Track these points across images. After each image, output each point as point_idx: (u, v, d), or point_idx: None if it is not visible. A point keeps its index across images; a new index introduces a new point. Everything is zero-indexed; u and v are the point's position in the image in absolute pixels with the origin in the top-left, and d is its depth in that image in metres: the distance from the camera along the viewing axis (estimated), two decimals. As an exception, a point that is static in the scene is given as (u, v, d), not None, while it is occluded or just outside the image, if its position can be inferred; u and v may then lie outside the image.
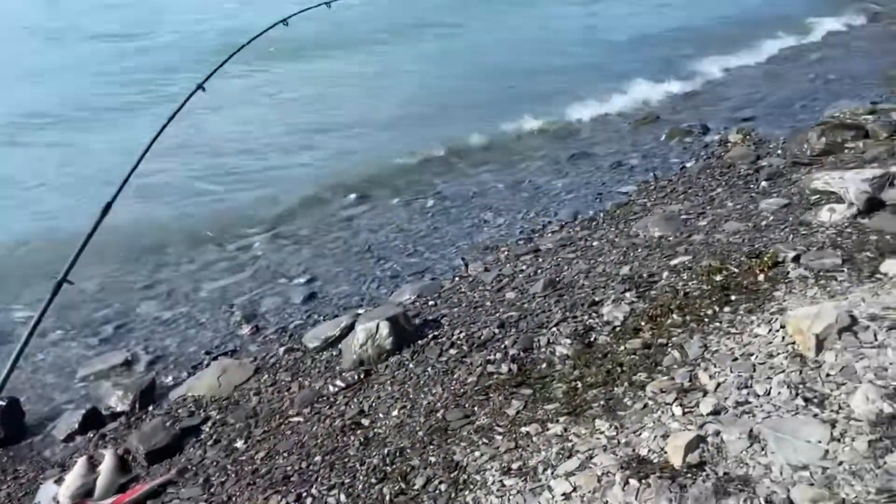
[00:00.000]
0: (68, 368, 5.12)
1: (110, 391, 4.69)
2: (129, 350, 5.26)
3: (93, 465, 3.91)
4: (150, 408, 4.55)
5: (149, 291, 6.05)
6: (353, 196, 7.68)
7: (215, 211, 7.51)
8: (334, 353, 4.75)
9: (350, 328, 4.78)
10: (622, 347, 4.10)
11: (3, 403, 4.29)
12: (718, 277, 4.61)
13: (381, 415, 3.94)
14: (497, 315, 4.80)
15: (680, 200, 6.32)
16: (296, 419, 4.10)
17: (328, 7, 5.53)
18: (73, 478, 3.79)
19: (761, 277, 4.53)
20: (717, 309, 4.26)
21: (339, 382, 4.33)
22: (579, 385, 3.83)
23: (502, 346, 4.33)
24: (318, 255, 6.55)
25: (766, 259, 4.64)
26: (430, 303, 5.25)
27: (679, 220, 5.83)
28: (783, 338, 3.88)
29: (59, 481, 3.84)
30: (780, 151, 7.00)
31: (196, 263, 6.48)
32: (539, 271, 5.43)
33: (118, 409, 4.53)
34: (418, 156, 8.48)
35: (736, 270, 4.66)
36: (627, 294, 4.68)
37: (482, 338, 4.48)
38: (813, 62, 10.66)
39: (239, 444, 3.95)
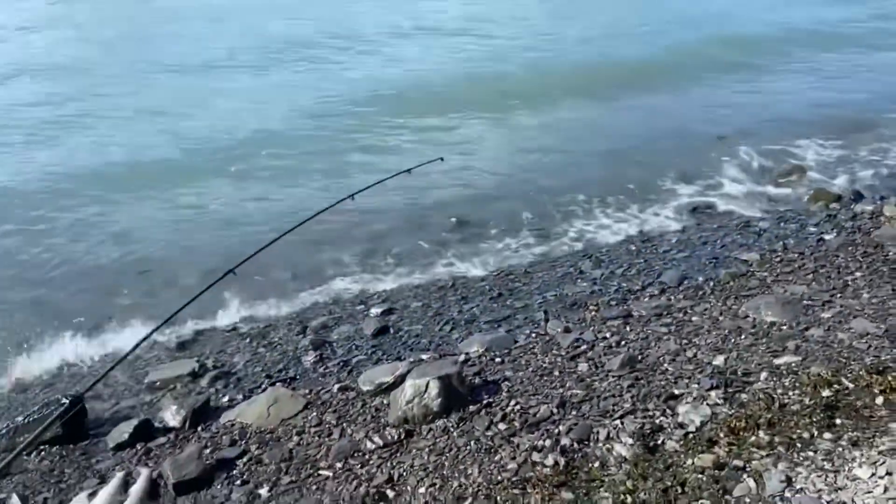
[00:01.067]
0: (141, 370, 5.29)
1: (168, 403, 4.75)
2: (199, 360, 5.35)
3: (127, 483, 3.95)
4: (199, 428, 4.55)
5: (234, 301, 6.15)
6: (453, 220, 7.46)
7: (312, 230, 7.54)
8: (385, 402, 4.53)
9: (404, 377, 4.54)
10: (690, 462, 3.56)
11: (67, 402, 4.47)
12: (826, 392, 3.91)
13: (408, 488, 3.67)
14: (561, 390, 4.37)
15: (807, 281, 5.52)
16: (325, 473, 3.92)
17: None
18: (105, 495, 3.82)
19: (880, 400, 3.80)
20: (814, 433, 3.60)
21: (377, 439, 4.10)
22: (628, 501, 3.36)
23: (556, 430, 3.91)
24: (403, 283, 6.39)
25: (890, 379, 3.88)
26: (497, 360, 4.90)
27: (799, 307, 5.07)
28: (885, 489, 3.20)
29: (92, 495, 3.90)
30: (944, 236, 5.95)
31: (284, 278, 6.54)
32: (622, 343, 4.91)
33: (170, 425, 4.58)
34: (532, 189, 8.12)
35: (850, 386, 3.94)
36: (713, 393, 4.09)
37: (537, 416, 4.08)
38: None
39: (263, 491, 3.83)
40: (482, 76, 12.76)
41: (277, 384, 4.94)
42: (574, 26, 16.31)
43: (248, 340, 5.67)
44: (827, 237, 6.33)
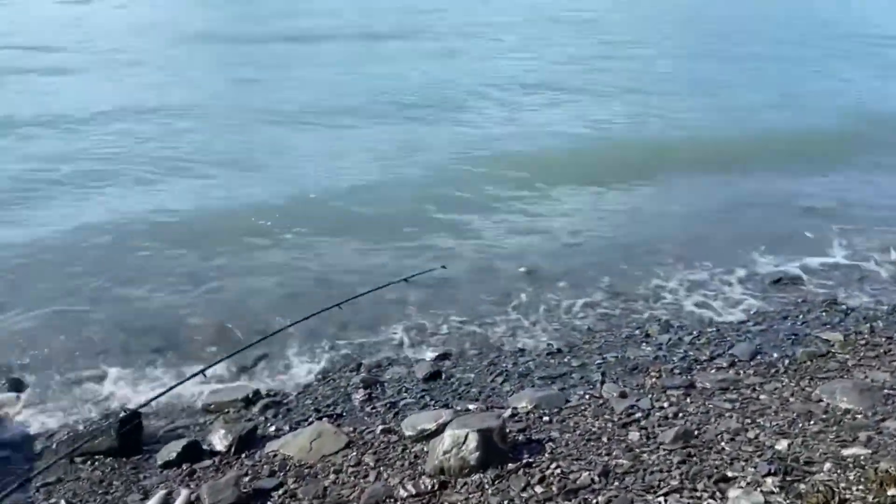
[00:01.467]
0: (199, 391, 5.47)
1: (217, 427, 4.87)
2: (255, 387, 5.49)
3: (167, 502, 4.06)
4: (243, 455, 4.64)
5: (296, 333, 6.27)
6: (521, 269, 7.39)
7: (384, 264, 7.66)
8: (425, 449, 4.49)
9: (446, 426, 4.48)
10: (733, 551, 3.32)
11: (124, 414, 4.68)
12: (892, 491, 3.56)
13: (433, 541, 3.59)
14: (607, 458, 4.18)
15: (892, 368, 5.09)
16: (354, 515, 3.90)
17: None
18: (143, 511, 3.96)
19: (957, 510, 3.42)
20: (877, 536, 3.28)
21: (411, 487, 4.04)
22: (659, 585, 3.15)
23: (594, 500, 3.74)
24: (461, 329, 6.35)
25: (973, 486, 3.49)
26: (545, 418, 4.75)
27: (879, 395, 4.67)
28: None
29: (132, 509, 4.05)
30: None
31: (348, 315, 6.62)
32: (680, 415, 4.67)
33: (216, 448, 4.69)
34: (610, 246, 7.96)
35: (925, 490, 3.57)
36: (769, 480, 3.80)
37: (577, 482, 3.91)
38: None
39: (291, 525, 3.85)
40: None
41: (324, 419, 4.98)
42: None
43: (304, 372, 5.77)
44: (921, 323, 5.86)
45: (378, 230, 8.48)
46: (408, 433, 4.67)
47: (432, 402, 5.17)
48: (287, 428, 4.98)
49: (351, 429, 4.84)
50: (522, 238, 8.26)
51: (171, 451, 4.60)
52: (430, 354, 5.90)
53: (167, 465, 4.55)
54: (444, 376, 5.60)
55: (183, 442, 4.67)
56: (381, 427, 4.80)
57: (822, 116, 13.58)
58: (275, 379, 5.72)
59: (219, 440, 4.76)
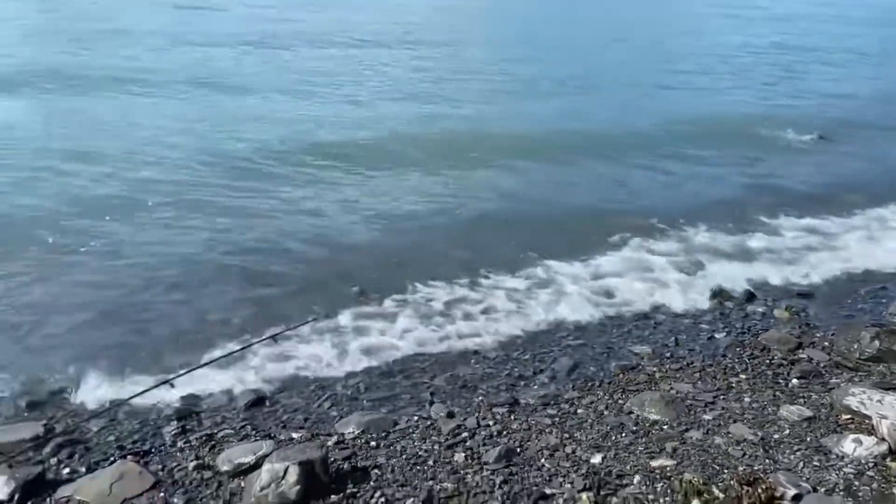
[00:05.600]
0: (-20, 431, 4.76)
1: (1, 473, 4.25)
2: (47, 424, 4.86)
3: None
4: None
5: (103, 359, 5.70)
6: (355, 289, 7.22)
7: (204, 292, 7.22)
8: (242, 485, 4.19)
9: (266, 458, 4.21)
10: (549, 572, 3.37)
11: None
12: (695, 502, 3.82)
13: (245, 588, 3.32)
14: (431, 482, 4.13)
15: (693, 379, 5.51)
16: (157, 565, 3.54)
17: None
18: None
19: (748, 514, 3.72)
20: (679, 546, 3.49)
21: (222, 530, 3.76)
22: None
23: (417, 530, 3.67)
24: (289, 351, 6.07)
25: (759, 491, 3.82)
26: (372, 443, 4.62)
27: (682, 407, 5.03)
28: None
29: None
30: (825, 344, 6.09)
31: (163, 340, 6.13)
32: (504, 433, 4.73)
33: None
34: (445, 255, 8.01)
35: (720, 496, 3.86)
36: (584, 496, 3.94)
37: (400, 511, 3.83)
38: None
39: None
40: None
41: (128, 457, 4.50)
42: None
43: (108, 404, 5.21)
44: (718, 335, 6.41)
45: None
46: (224, 468, 4.33)
47: (255, 433, 4.84)
48: (84, 469, 4.42)
49: (159, 467, 4.41)
50: (351, 256, 8.05)
51: (-64, 505, 3.94)
52: (253, 379, 5.56)
53: (-70, 521, 3.89)
54: (268, 403, 5.29)
55: (-49, 494, 4.02)
56: (194, 463, 4.42)
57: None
58: (72, 414, 5.09)
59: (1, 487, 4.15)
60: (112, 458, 4.51)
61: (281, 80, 17.20)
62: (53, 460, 4.51)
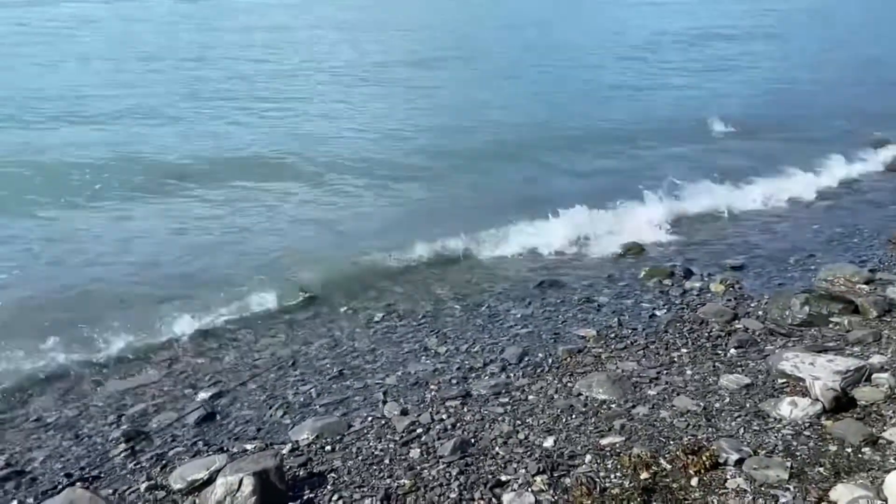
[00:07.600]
0: (-89, 472, 4.56)
1: (-63, 513, 4.11)
2: (-10, 458, 4.70)
3: None
4: (-28, 542, 3.96)
5: (43, 383, 5.54)
6: (301, 296, 7.19)
7: (138, 294, 7.10)
8: (197, 502, 4.13)
9: (219, 472, 4.17)
10: (509, 557, 3.45)
11: None
12: (644, 475, 3.95)
13: None
14: (389, 480, 4.16)
15: (637, 357, 5.68)
16: (114, 591, 3.47)
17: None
18: None
19: (695, 481, 3.88)
20: (631, 518, 3.60)
21: (180, 548, 3.71)
22: None
23: (376, 529, 3.69)
24: (239, 362, 6.00)
25: (704, 458, 3.99)
26: (328, 448, 4.62)
27: (628, 384, 5.19)
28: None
29: None
30: (759, 313, 6.36)
31: (105, 355, 6.00)
32: (458, 425, 4.79)
33: (-65, 539, 3.95)
34: (389, 261, 8.01)
35: (668, 467, 4.01)
36: (538, 479, 4.03)
37: (359, 512, 3.85)
38: (822, 210, 9.97)
39: None
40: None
41: (76, 484, 4.39)
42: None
43: (52, 433, 5.05)
44: (659, 313, 6.62)
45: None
46: (177, 486, 4.27)
47: (207, 448, 4.77)
48: (32, 501, 4.30)
49: (110, 491, 4.32)
50: (305, 262, 8.02)
51: None
52: (202, 395, 5.46)
53: None
54: (218, 417, 5.21)
55: None
56: (146, 484, 4.34)
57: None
58: (13, 444, 4.93)
59: (-62, 530, 4.00)
60: (60, 487, 4.40)
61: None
62: (-4, 495, 4.38)
